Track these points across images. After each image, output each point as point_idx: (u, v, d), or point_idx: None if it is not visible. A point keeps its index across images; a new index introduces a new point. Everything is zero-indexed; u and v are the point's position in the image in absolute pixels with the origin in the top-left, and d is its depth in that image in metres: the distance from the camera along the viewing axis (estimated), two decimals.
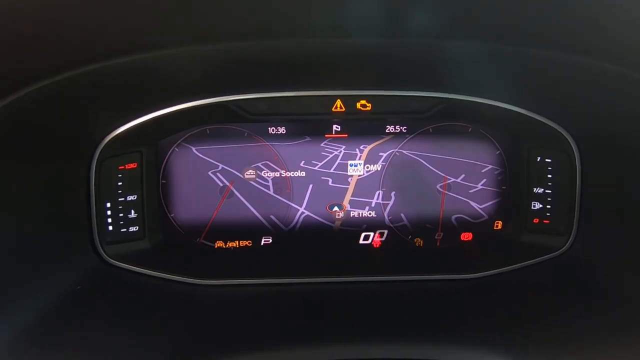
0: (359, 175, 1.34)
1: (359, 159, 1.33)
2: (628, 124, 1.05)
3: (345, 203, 1.35)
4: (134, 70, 0.92)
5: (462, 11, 0.76)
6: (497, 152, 1.34)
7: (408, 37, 0.86)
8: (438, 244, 1.37)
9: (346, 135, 1.32)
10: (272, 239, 1.36)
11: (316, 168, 1.33)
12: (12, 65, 0.79)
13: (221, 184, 1.32)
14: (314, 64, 1.04)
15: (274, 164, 1.32)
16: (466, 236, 1.38)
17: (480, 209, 1.36)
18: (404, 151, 1.33)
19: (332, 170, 1.33)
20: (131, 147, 1.24)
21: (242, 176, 1.32)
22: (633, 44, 0.80)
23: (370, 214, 1.36)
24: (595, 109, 1.10)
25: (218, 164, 1.31)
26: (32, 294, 1.01)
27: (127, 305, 1.11)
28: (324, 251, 1.35)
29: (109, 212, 1.24)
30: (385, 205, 1.36)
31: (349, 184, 1.34)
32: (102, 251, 1.22)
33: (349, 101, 1.25)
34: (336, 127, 1.31)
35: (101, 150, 1.19)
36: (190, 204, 1.32)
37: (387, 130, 1.32)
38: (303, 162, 1.32)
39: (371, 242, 1.38)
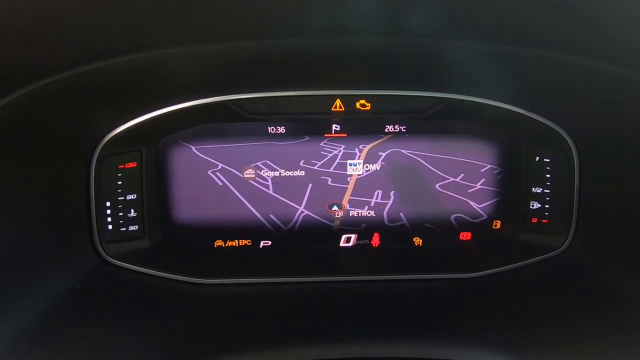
0: (359, 175, 1.34)
1: (359, 159, 1.33)
2: (627, 124, 1.05)
3: (345, 202, 1.35)
4: (134, 70, 0.92)
5: (461, 11, 0.77)
6: (496, 152, 1.34)
7: (407, 37, 0.87)
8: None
9: (345, 135, 1.32)
10: (271, 238, 1.36)
11: (315, 167, 1.33)
12: (12, 65, 0.79)
13: (221, 183, 1.32)
14: (313, 63, 1.04)
15: (273, 163, 1.32)
16: (465, 235, 1.39)
17: (479, 208, 1.37)
18: (403, 151, 1.33)
19: (331, 170, 1.33)
20: (131, 146, 1.24)
21: (241, 175, 1.32)
22: (632, 44, 0.80)
23: (369, 213, 1.36)
24: (594, 109, 1.10)
25: (218, 163, 1.31)
26: (32, 293, 1.01)
27: (127, 305, 1.11)
28: (323, 250, 1.36)
29: (108, 211, 1.24)
30: (384, 205, 1.36)
31: (348, 183, 1.34)
32: (101, 250, 1.23)
33: (349, 101, 1.25)
34: (335, 127, 1.31)
35: (101, 149, 1.19)
36: (189, 203, 1.32)
37: (386, 130, 1.32)
38: (302, 161, 1.32)
39: (370, 242, 1.38)
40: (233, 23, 0.79)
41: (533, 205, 1.32)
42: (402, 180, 1.35)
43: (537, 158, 1.31)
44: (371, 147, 1.33)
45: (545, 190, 1.31)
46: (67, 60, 0.83)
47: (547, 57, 0.90)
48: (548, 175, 1.30)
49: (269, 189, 1.33)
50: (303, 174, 1.33)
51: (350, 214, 1.36)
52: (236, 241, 1.36)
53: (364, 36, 0.86)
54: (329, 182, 1.34)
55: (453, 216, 1.37)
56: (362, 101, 1.25)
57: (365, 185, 1.35)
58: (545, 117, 1.24)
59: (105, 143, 1.19)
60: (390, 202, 1.36)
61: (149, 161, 1.27)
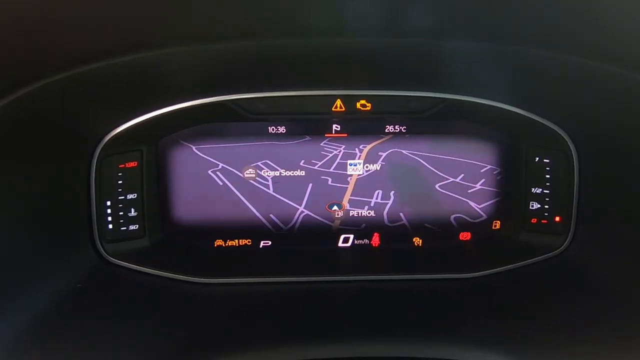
0: (359, 175, 1.34)
1: (359, 159, 1.34)
2: (627, 124, 1.05)
3: (345, 202, 1.36)
4: (135, 69, 0.92)
5: (461, 11, 0.77)
6: (496, 152, 1.34)
7: (408, 37, 0.87)
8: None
9: (346, 135, 1.32)
10: (271, 238, 1.36)
11: (316, 167, 1.33)
12: (13, 65, 0.79)
13: (221, 183, 1.32)
14: (314, 63, 1.04)
15: (273, 163, 1.32)
16: (465, 236, 1.39)
17: (478, 208, 1.37)
18: (403, 151, 1.33)
19: (331, 170, 1.33)
20: (131, 146, 1.24)
21: (242, 175, 1.32)
22: (632, 44, 0.80)
23: (369, 213, 1.36)
24: (594, 110, 1.10)
25: (218, 162, 1.31)
26: (32, 293, 1.01)
27: (127, 304, 1.11)
28: (323, 250, 1.36)
29: (109, 211, 1.24)
30: (384, 205, 1.36)
31: (348, 183, 1.34)
32: (102, 249, 1.23)
33: (349, 101, 1.25)
34: (336, 127, 1.31)
35: (101, 148, 1.19)
36: (190, 203, 1.33)
37: (386, 130, 1.32)
38: (303, 161, 1.33)
39: (370, 242, 1.38)
40: (233, 23, 0.79)
41: (533, 206, 1.32)
42: (402, 181, 1.35)
43: (537, 158, 1.31)
44: (371, 147, 1.33)
45: (545, 191, 1.31)
46: (67, 60, 0.83)
47: (547, 57, 0.90)
48: (548, 176, 1.30)
49: (269, 189, 1.33)
50: (303, 174, 1.33)
51: (350, 214, 1.36)
52: (236, 241, 1.36)
53: (364, 36, 0.87)
54: (329, 182, 1.34)
55: (453, 216, 1.37)
56: (363, 101, 1.25)
57: (365, 185, 1.35)
58: (545, 117, 1.24)
59: (106, 142, 1.19)
60: (390, 202, 1.36)
61: (149, 161, 1.27)
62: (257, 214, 1.34)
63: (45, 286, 1.05)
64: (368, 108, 1.26)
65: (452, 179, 1.35)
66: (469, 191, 1.36)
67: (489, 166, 1.35)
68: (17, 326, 0.94)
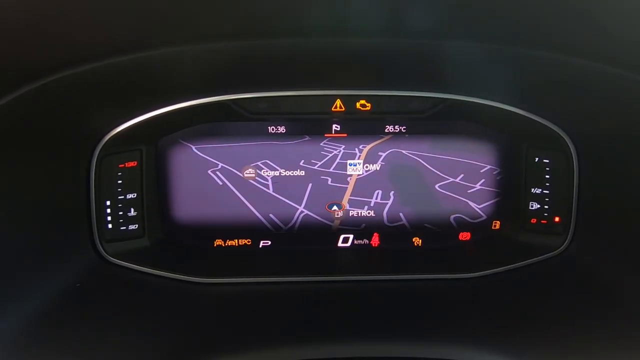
0: (358, 175, 1.34)
1: (359, 159, 1.34)
2: (626, 124, 1.05)
3: (345, 202, 1.36)
4: (135, 69, 0.92)
5: (461, 11, 0.77)
6: (496, 153, 1.34)
7: (408, 37, 0.87)
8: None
9: (346, 135, 1.32)
10: (271, 238, 1.36)
11: (316, 167, 1.33)
12: (13, 63, 0.79)
13: (221, 183, 1.32)
14: (314, 63, 1.04)
15: (273, 163, 1.32)
16: (464, 236, 1.39)
17: (478, 209, 1.37)
18: (403, 151, 1.33)
19: (331, 170, 1.33)
20: (131, 145, 1.24)
21: (241, 175, 1.32)
22: (632, 44, 0.80)
23: (369, 213, 1.36)
24: (594, 110, 1.10)
25: (218, 162, 1.31)
26: (32, 293, 1.01)
27: (127, 303, 1.11)
28: (322, 250, 1.36)
29: (108, 210, 1.24)
30: (384, 205, 1.36)
31: (348, 183, 1.34)
32: (101, 249, 1.23)
33: (349, 101, 1.25)
34: (336, 127, 1.31)
35: (101, 148, 1.19)
36: (189, 203, 1.33)
37: (386, 130, 1.32)
38: (302, 161, 1.33)
39: (370, 242, 1.38)
40: (233, 22, 0.79)
41: (532, 206, 1.32)
42: (402, 181, 1.35)
43: (537, 159, 1.31)
44: (371, 147, 1.33)
45: (544, 191, 1.31)
46: (67, 60, 0.83)
47: (547, 58, 0.90)
48: (547, 176, 1.30)
49: (268, 189, 1.33)
50: (303, 174, 1.33)
51: (350, 214, 1.36)
52: (236, 240, 1.36)
53: (364, 36, 0.87)
54: (329, 182, 1.34)
55: (452, 216, 1.37)
56: (362, 101, 1.25)
57: (365, 185, 1.35)
58: (545, 117, 1.24)
59: (106, 142, 1.19)
60: (390, 202, 1.36)
61: (149, 160, 1.27)
62: (257, 213, 1.34)
63: (45, 286, 1.05)
64: (368, 108, 1.26)
65: (452, 179, 1.35)
66: (469, 191, 1.36)
67: (488, 166, 1.35)
68: (17, 326, 0.94)
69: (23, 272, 1.02)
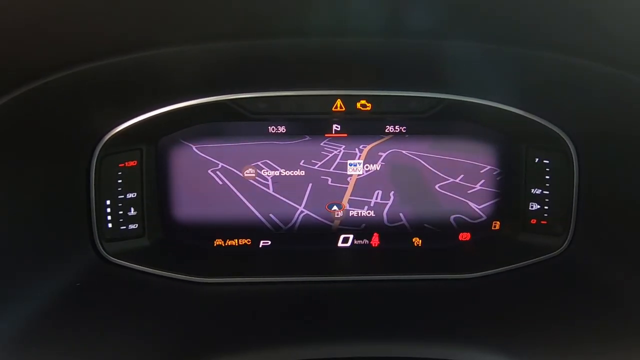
0: (359, 175, 1.35)
1: (359, 159, 1.34)
2: (626, 125, 1.05)
3: (345, 202, 1.36)
4: (135, 69, 0.92)
5: (461, 11, 0.77)
6: (496, 153, 1.34)
7: (408, 37, 0.87)
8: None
9: (346, 135, 1.32)
10: (271, 238, 1.37)
11: (316, 167, 1.33)
12: (14, 63, 0.79)
13: (221, 183, 1.32)
14: (314, 63, 1.04)
15: (273, 163, 1.32)
16: (464, 236, 1.39)
17: (478, 209, 1.37)
18: (403, 151, 1.34)
19: (331, 170, 1.33)
20: (131, 145, 1.24)
21: (241, 175, 1.32)
22: (632, 44, 0.80)
23: (369, 213, 1.36)
24: (594, 111, 1.11)
25: (218, 162, 1.31)
26: (32, 292, 1.01)
27: (126, 303, 1.11)
28: (322, 250, 1.36)
29: (108, 210, 1.24)
30: (384, 205, 1.36)
31: (348, 183, 1.35)
32: (101, 249, 1.23)
33: (349, 101, 1.25)
34: (336, 127, 1.31)
35: (101, 147, 1.19)
36: (189, 202, 1.33)
37: (386, 130, 1.32)
38: (303, 161, 1.33)
39: (370, 242, 1.38)
40: (234, 22, 0.80)
41: (532, 206, 1.32)
42: (402, 181, 1.35)
43: (537, 159, 1.31)
44: (371, 148, 1.33)
45: (544, 192, 1.31)
46: (67, 59, 0.83)
47: (547, 58, 0.90)
48: (547, 177, 1.30)
49: (269, 189, 1.34)
50: (303, 174, 1.33)
51: (350, 214, 1.36)
52: (236, 240, 1.36)
53: (365, 36, 0.87)
54: (329, 182, 1.34)
55: (452, 217, 1.37)
56: (363, 101, 1.25)
57: (365, 185, 1.35)
58: (545, 118, 1.24)
59: (106, 141, 1.19)
60: (390, 202, 1.36)
61: (149, 160, 1.27)
62: (257, 213, 1.35)
63: (45, 285, 1.05)
64: (368, 108, 1.26)
65: (452, 180, 1.35)
66: (469, 192, 1.36)
67: (488, 167, 1.35)
68: (17, 326, 0.94)
69: (23, 272, 1.02)
